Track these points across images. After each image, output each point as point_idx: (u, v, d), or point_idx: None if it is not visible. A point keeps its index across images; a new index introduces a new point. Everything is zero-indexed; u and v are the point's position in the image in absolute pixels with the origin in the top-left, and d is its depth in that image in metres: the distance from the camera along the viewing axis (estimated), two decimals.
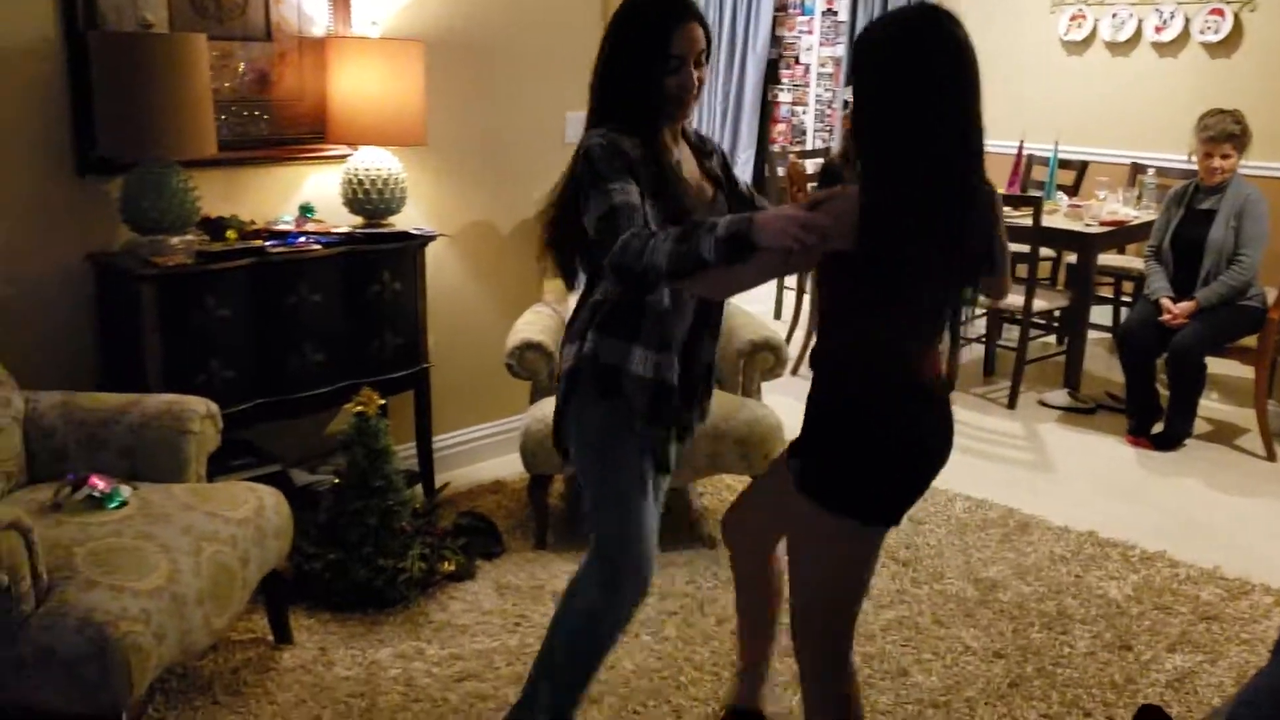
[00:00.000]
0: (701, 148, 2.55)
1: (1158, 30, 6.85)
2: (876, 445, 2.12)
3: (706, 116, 9.02)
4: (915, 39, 1.98)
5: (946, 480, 4.51)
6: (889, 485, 2.14)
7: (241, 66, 3.68)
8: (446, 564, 3.61)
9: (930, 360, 2.15)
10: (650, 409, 2.40)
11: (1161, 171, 6.33)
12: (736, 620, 2.84)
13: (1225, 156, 4.97)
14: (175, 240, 3.30)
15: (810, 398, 2.20)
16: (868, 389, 2.12)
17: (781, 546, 2.52)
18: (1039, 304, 5.65)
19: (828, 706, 2.31)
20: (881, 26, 2.06)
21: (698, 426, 2.62)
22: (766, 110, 9.41)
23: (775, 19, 8.96)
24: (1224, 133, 4.93)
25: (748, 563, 2.72)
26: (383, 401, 3.54)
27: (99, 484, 2.80)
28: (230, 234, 3.48)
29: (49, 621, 2.35)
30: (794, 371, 5.69)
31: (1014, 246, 5.83)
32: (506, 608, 3.49)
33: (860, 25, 8.10)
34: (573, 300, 2.59)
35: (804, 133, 9.51)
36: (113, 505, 2.77)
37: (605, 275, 2.32)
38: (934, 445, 2.18)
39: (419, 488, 4.07)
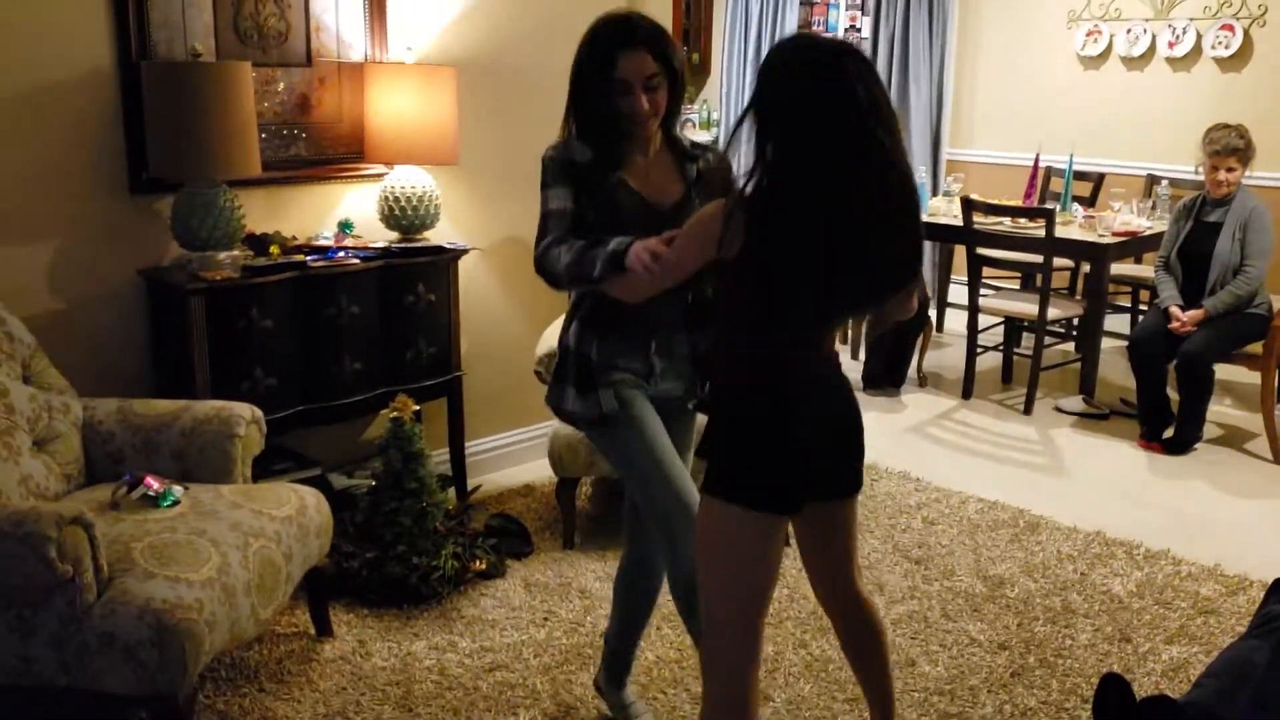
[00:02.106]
0: (686, 153, 2.69)
1: (1171, 45, 7.00)
2: (758, 434, 2.19)
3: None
4: (822, 70, 2.05)
5: (960, 483, 4.71)
6: (771, 472, 2.19)
7: (283, 91, 3.88)
8: (478, 563, 3.78)
9: (818, 352, 2.25)
10: (576, 378, 2.64)
11: (1175, 183, 6.45)
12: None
13: (1230, 170, 5.10)
14: (222, 256, 3.49)
15: (710, 394, 2.34)
16: (753, 379, 2.21)
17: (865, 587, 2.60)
18: (1054, 312, 5.77)
19: (723, 710, 2.32)
20: (794, 51, 2.11)
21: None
22: None
23: None
24: (1228, 147, 5.06)
25: (834, 607, 2.61)
26: (417, 407, 3.72)
27: (153, 484, 2.99)
28: (273, 249, 3.67)
29: (110, 609, 2.54)
30: None
31: (1028, 256, 6.02)
32: (535, 604, 3.66)
33: (881, 41, 8.24)
34: None
35: None
36: (166, 504, 2.95)
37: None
38: (820, 434, 2.25)
39: (452, 490, 4.24)
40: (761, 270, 2.11)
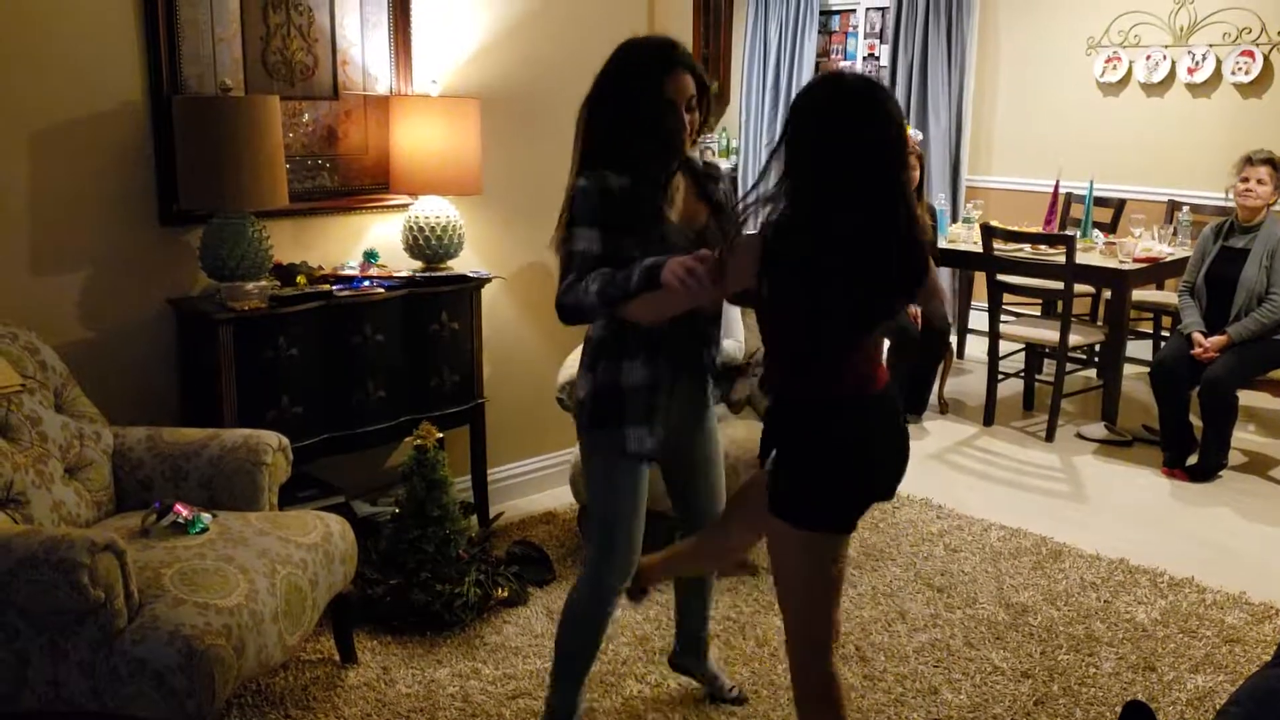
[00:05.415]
0: (708, 174, 2.74)
1: (1190, 72, 7.00)
2: (819, 459, 2.30)
3: (752, 161, 9.22)
4: (854, 105, 2.15)
5: (982, 510, 4.71)
6: (833, 496, 2.31)
7: (310, 123, 3.94)
8: (500, 590, 3.80)
9: (870, 373, 2.32)
10: (646, 407, 2.64)
11: (1196, 209, 6.45)
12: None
13: (1260, 182, 5.11)
14: (250, 285, 3.53)
15: (766, 420, 2.41)
16: (808, 406, 2.31)
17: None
18: (1075, 339, 5.77)
19: (811, 693, 2.46)
20: (821, 89, 2.22)
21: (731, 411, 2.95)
22: None
23: (818, 64, 9.16)
24: (1262, 155, 5.08)
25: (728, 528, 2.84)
26: (440, 435, 3.75)
27: (183, 511, 3.02)
28: (300, 279, 3.71)
29: (141, 635, 2.57)
30: None
31: (1049, 283, 6.02)
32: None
33: (900, 69, 8.28)
34: None
35: None
36: (195, 531, 2.99)
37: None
38: (878, 455, 2.35)
39: (474, 518, 4.26)
40: (788, 299, 2.17)
